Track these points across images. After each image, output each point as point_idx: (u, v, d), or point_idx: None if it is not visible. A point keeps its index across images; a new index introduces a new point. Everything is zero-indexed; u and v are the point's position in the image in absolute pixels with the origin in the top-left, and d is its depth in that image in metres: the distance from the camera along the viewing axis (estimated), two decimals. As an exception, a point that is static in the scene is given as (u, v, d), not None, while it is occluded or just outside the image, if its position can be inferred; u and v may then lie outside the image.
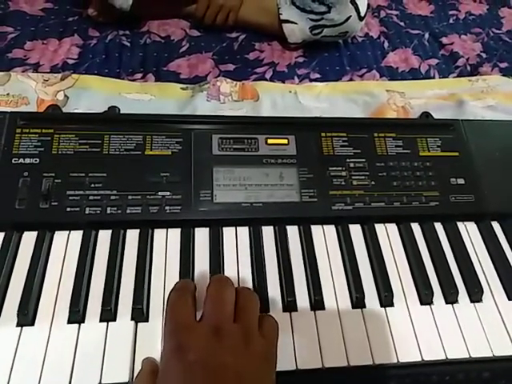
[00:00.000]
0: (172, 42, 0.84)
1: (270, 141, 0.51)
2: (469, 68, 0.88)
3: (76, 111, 0.66)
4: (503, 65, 0.89)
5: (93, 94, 0.70)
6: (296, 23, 0.80)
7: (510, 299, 0.46)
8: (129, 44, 0.82)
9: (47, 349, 0.38)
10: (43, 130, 0.47)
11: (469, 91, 0.79)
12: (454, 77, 0.85)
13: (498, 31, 0.99)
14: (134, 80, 0.76)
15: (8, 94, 0.68)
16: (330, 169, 0.50)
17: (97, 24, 0.84)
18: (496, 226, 0.51)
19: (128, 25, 0.84)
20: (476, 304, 0.45)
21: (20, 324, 0.38)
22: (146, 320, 0.40)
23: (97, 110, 0.66)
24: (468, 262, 0.47)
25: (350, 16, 0.78)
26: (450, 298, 0.44)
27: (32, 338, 0.38)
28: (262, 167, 0.49)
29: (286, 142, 0.51)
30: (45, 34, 0.81)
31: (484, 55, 0.91)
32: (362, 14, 0.79)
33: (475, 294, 0.45)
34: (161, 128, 0.50)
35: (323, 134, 0.52)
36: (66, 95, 0.69)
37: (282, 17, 0.81)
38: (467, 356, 0.41)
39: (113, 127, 0.49)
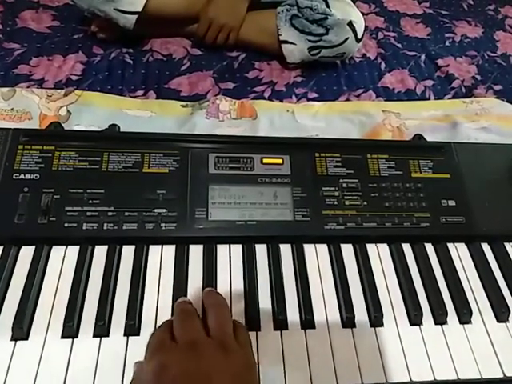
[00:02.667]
0: (173, 60, 0.86)
1: (265, 160, 0.52)
2: (464, 90, 0.90)
3: (77, 127, 0.68)
4: (497, 87, 0.91)
5: (95, 110, 0.72)
6: (295, 44, 0.82)
7: (498, 321, 0.46)
8: (131, 61, 0.84)
9: (40, 363, 0.38)
10: (44, 147, 0.49)
11: (463, 113, 0.80)
12: (449, 98, 0.87)
13: (492, 54, 1.01)
14: (135, 97, 0.77)
15: (12, 109, 0.69)
16: (324, 189, 0.51)
17: (101, 41, 0.86)
18: (486, 247, 0.52)
19: (131, 43, 0.86)
20: (465, 325, 0.45)
21: (14, 338, 0.39)
22: (138, 335, 0.41)
23: (98, 126, 0.68)
24: (458, 284, 0.48)
25: (348, 38, 0.80)
26: (439, 319, 0.45)
27: (26, 352, 0.39)
28: (257, 186, 0.50)
29: (280, 161, 0.52)
30: (50, 51, 0.83)
31: (479, 77, 0.93)
32: (359, 36, 0.81)
33: (464, 316, 0.45)
34: (159, 146, 0.51)
35: (317, 155, 0.54)
36: (68, 111, 0.71)
37: (281, 37, 0.83)
38: (455, 378, 0.42)
39: (112, 145, 0.50)
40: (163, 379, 0.31)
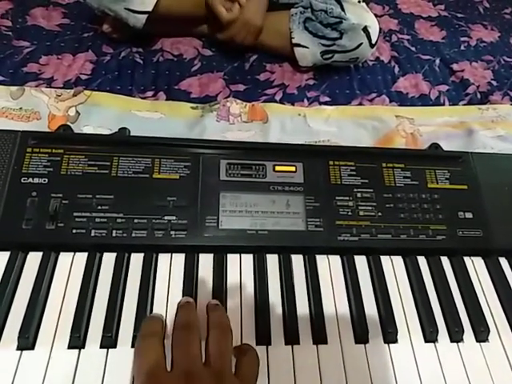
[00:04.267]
0: (184, 61, 0.85)
1: (277, 168, 0.51)
2: (479, 96, 0.88)
3: (86, 128, 0.67)
4: (514, 94, 0.89)
5: (104, 111, 0.71)
6: (307, 47, 0.81)
7: (516, 340, 0.45)
8: (141, 61, 0.83)
9: (46, 373, 0.37)
10: (53, 150, 0.48)
11: (479, 120, 0.78)
12: (464, 104, 0.85)
13: (509, 59, 0.99)
14: (145, 97, 0.76)
15: (21, 109, 0.69)
16: (337, 198, 0.50)
17: (111, 40, 0.85)
18: (503, 262, 0.50)
19: (141, 42, 0.85)
20: (482, 344, 0.44)
21: (20, 348, 0.38)
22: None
23: (107, 127, 0.67)
24: (474, 300, 0.46)
25: (362, 43, 0.78)
26: (455, 336, 0.44)
27: (31, 362, 0.38)
28: (269, 194, 0.49)
29: (293, 169, 0.51)
30: (60, 49, 0.83)
31: (495, 83, 0.91)
32: (373, 42, 0.79)
33: (481, 334, 0.44)
34: (170, 151, 0.50)
35: (331, 163, 0.52)
36: (77, 111, 0.70)
37: (293, 40, 0.81)
38: (471, 398, 0.40)
39: (122, 149, 0.49)
40: None
